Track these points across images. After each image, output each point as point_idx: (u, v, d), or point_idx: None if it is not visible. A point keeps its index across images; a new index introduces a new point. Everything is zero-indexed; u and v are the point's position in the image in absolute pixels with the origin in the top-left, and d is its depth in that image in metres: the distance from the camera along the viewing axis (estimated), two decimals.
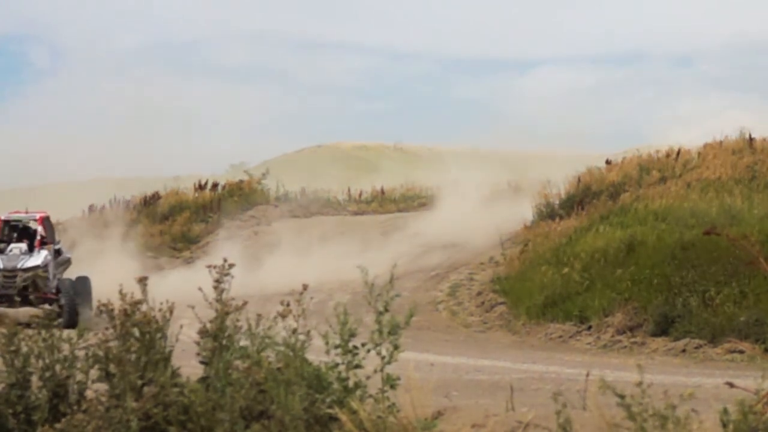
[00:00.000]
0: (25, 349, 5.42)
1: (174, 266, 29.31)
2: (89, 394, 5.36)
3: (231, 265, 5.20)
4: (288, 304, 5.12)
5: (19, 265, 21.75)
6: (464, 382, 12.82)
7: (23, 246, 22.27)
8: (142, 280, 5.23)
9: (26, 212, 23.38)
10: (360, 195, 37.42)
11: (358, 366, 5.10)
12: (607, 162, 29.58)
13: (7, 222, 23.08)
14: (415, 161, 59.91)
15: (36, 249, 22.23)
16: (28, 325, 5.48)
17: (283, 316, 5.13)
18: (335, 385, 5.07)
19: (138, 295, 5.25)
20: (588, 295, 19.65)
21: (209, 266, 5.24)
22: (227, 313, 5.13)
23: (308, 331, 5.11)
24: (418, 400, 5.03)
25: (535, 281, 21.30)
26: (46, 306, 20.43)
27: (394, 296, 5.12)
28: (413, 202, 36.16)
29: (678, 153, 27.42)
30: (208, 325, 5.16)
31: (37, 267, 21.83)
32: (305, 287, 5.11)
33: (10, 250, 22.17)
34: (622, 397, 4.25)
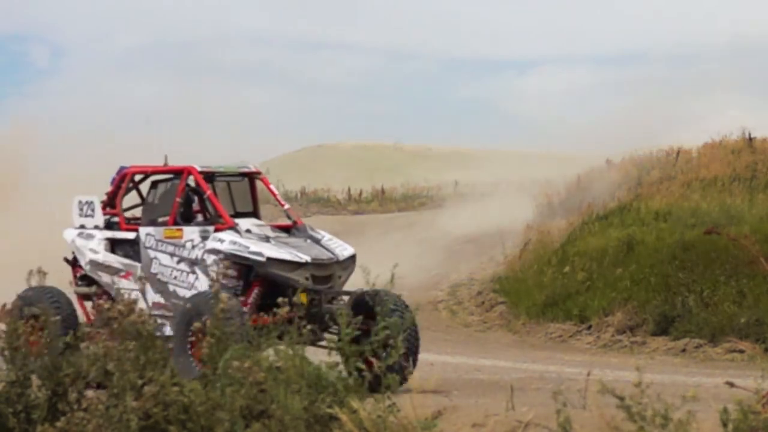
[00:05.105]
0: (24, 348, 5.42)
1: None
2: (89, 393, 5.36)
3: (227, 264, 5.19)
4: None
5: (343, 254, 12.13)
6: (464, 381, 12.83)
7: (259, 223, 12.26)
8: (141, 279, 5.24)
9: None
10: (360, 195, 37.44)
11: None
12: (607, 162, 29.59)
13: (206, 176, 12.03)
14: (414, 161, 59.90)
15: (301, 225, 12.37)
16: None
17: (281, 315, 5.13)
18: (336, 385, 5.07)
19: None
20: (588, 294, 19.64)
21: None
22: (223, 309, 5.13)
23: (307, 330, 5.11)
24: (418, 399, 5.04)
25: (535, 281, 21.29)
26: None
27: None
28: (413, 201, 36.19)
29: (678, 153, 27.41)
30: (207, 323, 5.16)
31: (353, 258, 12.39)
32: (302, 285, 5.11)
33: (253, 231, 11.57)
34: (621, 398, 4.25)
